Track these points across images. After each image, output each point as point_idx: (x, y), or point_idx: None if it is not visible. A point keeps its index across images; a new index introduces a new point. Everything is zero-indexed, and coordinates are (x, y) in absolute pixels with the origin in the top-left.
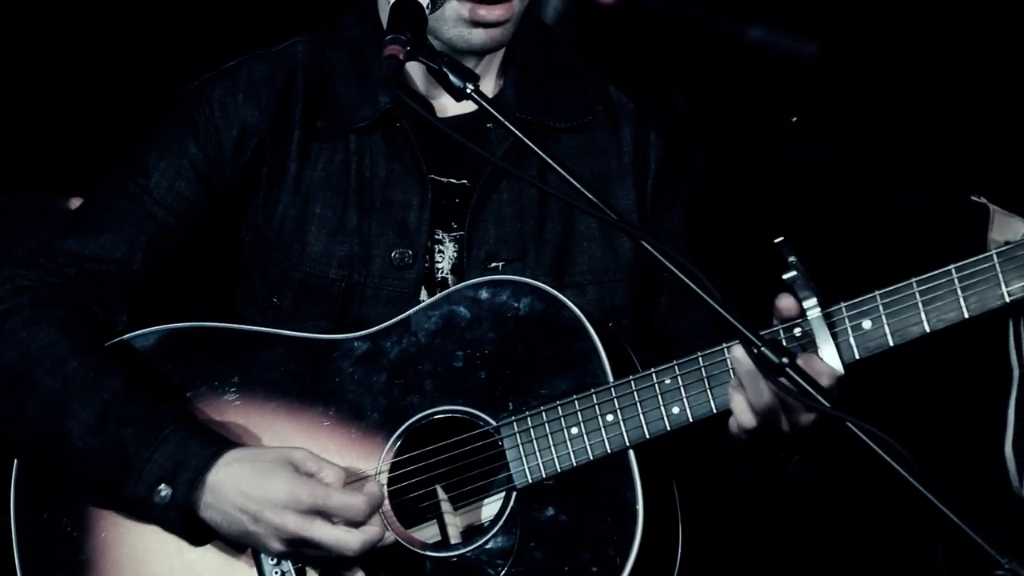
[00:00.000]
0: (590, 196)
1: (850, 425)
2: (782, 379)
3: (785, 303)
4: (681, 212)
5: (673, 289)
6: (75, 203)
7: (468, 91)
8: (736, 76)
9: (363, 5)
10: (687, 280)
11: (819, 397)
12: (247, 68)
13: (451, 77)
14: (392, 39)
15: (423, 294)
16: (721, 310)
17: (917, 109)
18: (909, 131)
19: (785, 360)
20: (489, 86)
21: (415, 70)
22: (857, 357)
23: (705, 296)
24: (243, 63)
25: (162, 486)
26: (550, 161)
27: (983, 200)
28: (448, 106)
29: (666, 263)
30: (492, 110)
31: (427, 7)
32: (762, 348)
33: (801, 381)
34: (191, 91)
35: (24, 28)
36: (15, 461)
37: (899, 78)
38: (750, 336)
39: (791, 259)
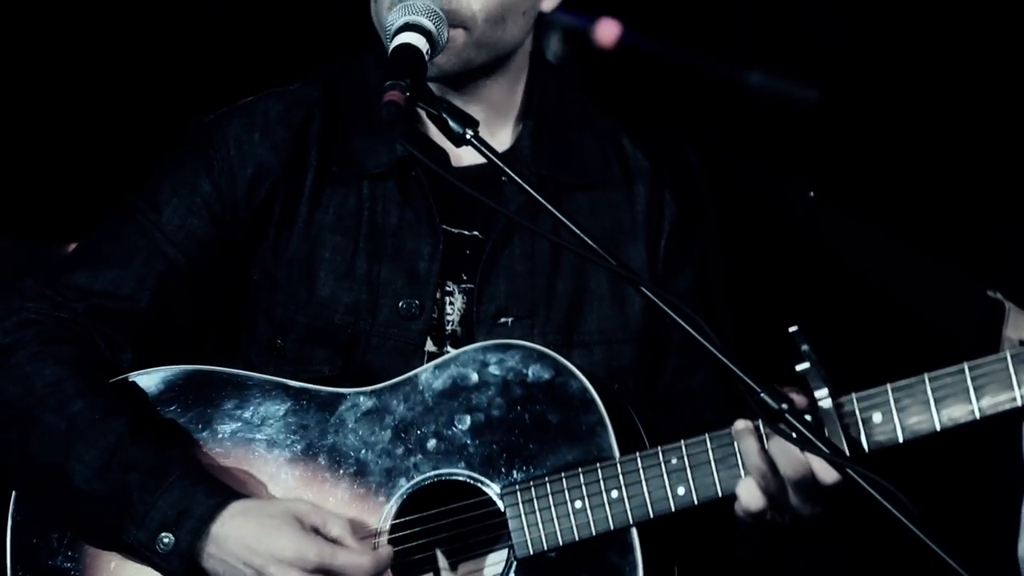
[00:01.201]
0: (604, 255)
1: (849, 472)
2: (782, 425)
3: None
4: (692, 274)
5: (680, 352)
6: None
7: (468, 136)
8: (735, 122)
9: (381, 47)
10: (690, 329)
11: (818, 444)
12: (264, 105)
13: (451, 123)
14: (391, 85)
15: (429, 344)
16: (722, 357)
17: (915, 154)
18: (906, 176)
19: (784, 406)
20: (507, 136)
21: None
22: (866, 451)
23: (706, 343)
24: (260, 100)
25: (165, 534)
26: (563, 219)
27: (999, 296)
28: (464, 155)
29: (670, 312)
30: (493, 157)
31: (426, 53)
32: (761, 394)
33: (800, 427)
34: (206, 125)
35: (24, 73)
36: (12, 495)
37: (898, 122)
38: (750, 383)
39: (804, 348)
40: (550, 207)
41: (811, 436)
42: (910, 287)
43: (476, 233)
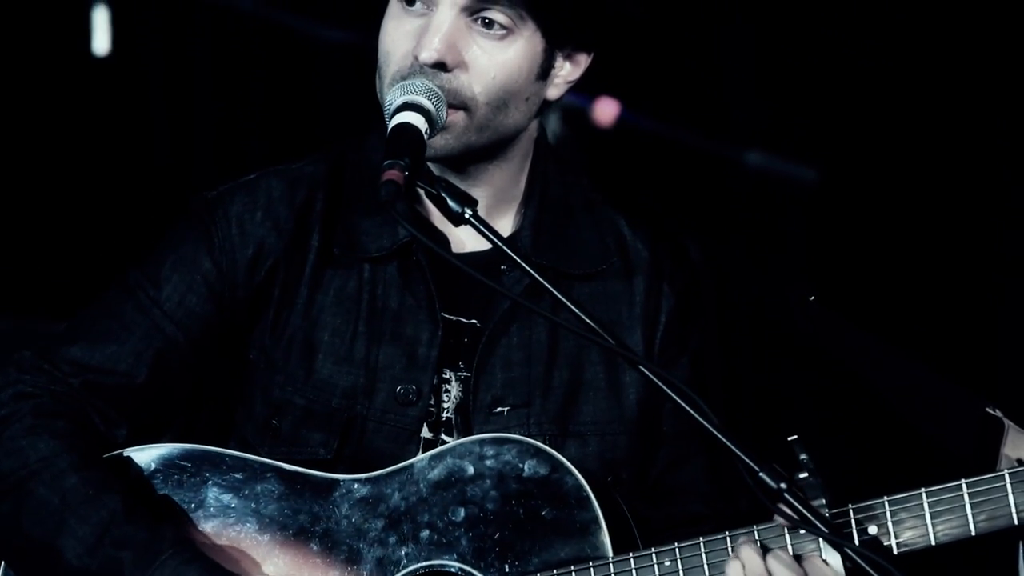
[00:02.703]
0: (603, 334)
1: (848, 551)
2: (781, 505)
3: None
4: (688, 366)
5: (672, 444)
6: None
7: (467, 216)
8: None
9: (385, 127)
10: (687, 407)
11: (816, 523)
12: (267, 184)
13: (449, 202)
14: (390, 164)
15: (424, 430)
16: (720, 435)
17: (914, 236)
18: (904, 257)
19: (783, 485)
20: (507, 224)
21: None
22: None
23: (705, 423)
24: (263, 178)
25: None
26: (561, 298)
27: (998, 414)
28: (466, 241)
29: (666, 390)
30: (492, 236)
31: (425, 132)
32: (760, 473)
33: (799, 506)
34: (208, 201)
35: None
36: (2, 566)
37: (896, 205)
38: (748, 461)
39: (802, 457)
40: (548, 285)
41: (810, 516)
42: (909, 399)
43: (475, 321)
